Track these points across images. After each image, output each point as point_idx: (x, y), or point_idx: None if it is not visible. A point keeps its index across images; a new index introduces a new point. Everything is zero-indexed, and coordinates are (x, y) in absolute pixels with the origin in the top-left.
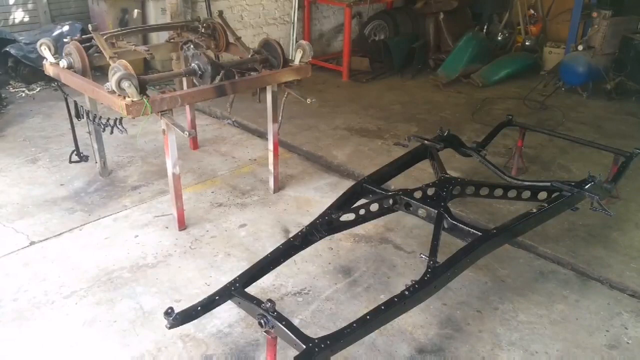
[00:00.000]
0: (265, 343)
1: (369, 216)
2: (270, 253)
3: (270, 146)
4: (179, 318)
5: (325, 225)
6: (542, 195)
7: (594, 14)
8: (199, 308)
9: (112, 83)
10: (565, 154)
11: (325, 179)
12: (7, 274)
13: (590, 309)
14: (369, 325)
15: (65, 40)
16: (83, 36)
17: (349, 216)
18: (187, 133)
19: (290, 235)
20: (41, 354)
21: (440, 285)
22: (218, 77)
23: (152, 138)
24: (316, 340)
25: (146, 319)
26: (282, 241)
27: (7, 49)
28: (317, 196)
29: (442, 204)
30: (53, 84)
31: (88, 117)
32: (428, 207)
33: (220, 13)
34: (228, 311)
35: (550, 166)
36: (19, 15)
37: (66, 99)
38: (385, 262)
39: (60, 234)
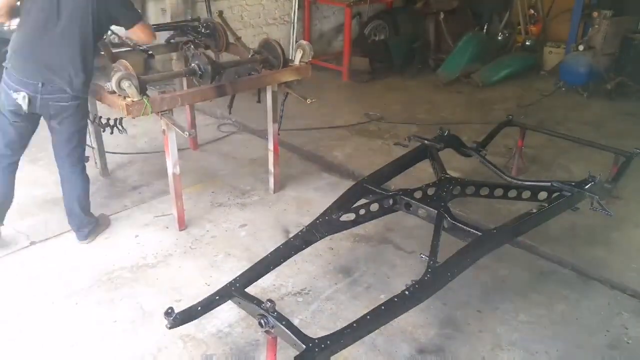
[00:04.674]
0: (265, 343)
1: (369, 216)
2: (270, 253)
3: (270, 146)
4: (179, 318)
5: (325, 225)
6: (542, 195)
7: (595, 14)
8: (199, 308)
9: (112, 83)
10: (565, 154)
11: (325, 179)
12: (7, 274)
13: (590, 309)
14: (369, 325)
15: None
16: None
17: (349, 216)
18: (187, 133)
19: (290, 235)
20: (41, 354)
21: (440, 285)
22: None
23: (152, 138)
24: (316, 340)
25: (146, 319)
26: (282, 241)
27: (7, 49)
28: (317, 196)
29: (442, 204)
30: None
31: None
32: (428, 207)
33: (220, 13)
34: (228, 311)
35: (550, 166)
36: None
37: None
38: (386, 262)
39: (61, 233)
